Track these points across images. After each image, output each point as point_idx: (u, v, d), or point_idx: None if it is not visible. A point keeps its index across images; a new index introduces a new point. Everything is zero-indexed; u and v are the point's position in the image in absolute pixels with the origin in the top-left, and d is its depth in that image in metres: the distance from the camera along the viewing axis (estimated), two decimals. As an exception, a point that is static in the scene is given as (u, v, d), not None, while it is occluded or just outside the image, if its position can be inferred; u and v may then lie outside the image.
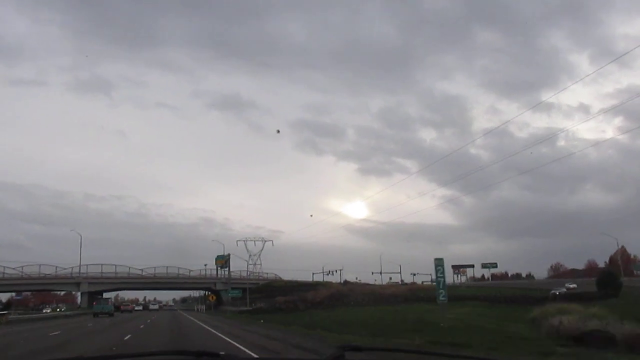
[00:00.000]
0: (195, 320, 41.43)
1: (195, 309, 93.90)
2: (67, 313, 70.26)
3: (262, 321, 40.44)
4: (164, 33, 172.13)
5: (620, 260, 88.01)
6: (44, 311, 78.79)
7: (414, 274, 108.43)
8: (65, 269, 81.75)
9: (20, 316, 54.85)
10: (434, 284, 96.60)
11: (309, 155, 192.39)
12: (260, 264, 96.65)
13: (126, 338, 20.28)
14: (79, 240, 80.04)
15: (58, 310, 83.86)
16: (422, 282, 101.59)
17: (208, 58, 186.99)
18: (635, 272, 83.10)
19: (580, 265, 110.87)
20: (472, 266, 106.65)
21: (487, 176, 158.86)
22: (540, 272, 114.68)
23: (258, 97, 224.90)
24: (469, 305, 49.79)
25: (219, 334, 22.99)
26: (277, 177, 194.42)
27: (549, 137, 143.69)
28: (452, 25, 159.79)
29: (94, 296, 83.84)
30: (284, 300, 66.10)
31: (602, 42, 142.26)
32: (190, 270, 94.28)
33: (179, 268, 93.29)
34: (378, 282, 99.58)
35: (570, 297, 50.63)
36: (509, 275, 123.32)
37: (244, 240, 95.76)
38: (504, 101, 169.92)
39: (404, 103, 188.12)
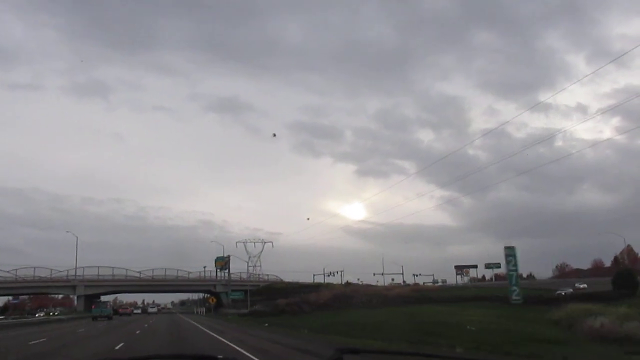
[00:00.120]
0: (196, 324, 38.50)
1: (195, 312, 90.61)
2: (61, 317, 66.97)
3: (266, 324, 37.54)
4: (160, 36, 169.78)
5: (627, 260, 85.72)
6: (37, 315, 75.29)
7: (416, 275, 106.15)
8: (60, 271, 78.66)
9: (4, 321, 50.17)
10: (436, 285, 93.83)
11: (307, 157, 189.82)
12: (260, 266, 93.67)
13: (118, 347, 17.24)
14: (76, 243, 76.82)
15: (51, 314, 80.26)
16: (424, 283, 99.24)
17: (205, 61, 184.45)
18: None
19: (581, 265, 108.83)
20: (476, 266, 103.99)
21: (485, 177, 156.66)
22: (540, 273, 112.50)
23: (255, 100, 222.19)
24: (482, 306, 46.97)
25: (226, 341, 20.06)
26: (275, 179, 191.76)
27: (547, 137, 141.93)
28: (449, 26, 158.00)
29: (91, 299, 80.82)
30: (285, 302, 63.13)
31: (599, 42, 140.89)
32: (189, 272, 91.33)
33: (177, 270, 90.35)
34: (380, 283, 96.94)
35: (583, 297, 48.12)
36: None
37: (243, 242, 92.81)
38: (501, 102, 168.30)
39: (402, 104, 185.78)
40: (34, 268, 77.29)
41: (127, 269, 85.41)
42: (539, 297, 54.05)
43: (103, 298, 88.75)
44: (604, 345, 19.25)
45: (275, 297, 70.45)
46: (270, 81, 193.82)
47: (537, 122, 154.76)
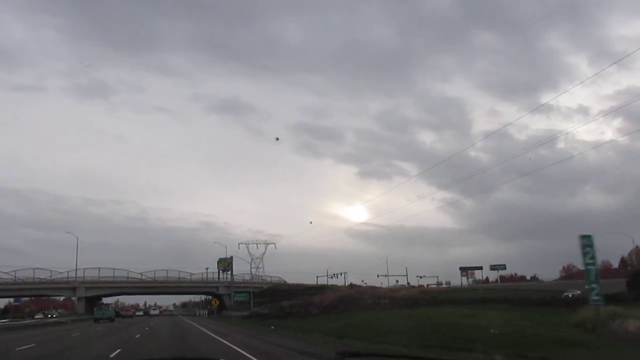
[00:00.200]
0: (200, 327, 36.35)
1: (197, 314, 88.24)
2: (60, 320, 64.73)
3: (272, 327, 35.42)
4: (161, 37, 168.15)
5: (636, 260, 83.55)
6: (35, 317, 72.96)
7: (421, 277, 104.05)
8: (60, 272, 76.38)
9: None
10: (442, 286, 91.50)
11: (308, 158, 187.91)
12: (263, 267, 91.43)
13: (113, 355, 15.08)
14: (76, 244, 74.65)
15: (50, 316, 77.91)
16: (427, 285, 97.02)
17: (206, 62, 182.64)
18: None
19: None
20: (481, 268, 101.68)
21: (487, 179, 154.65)
22: (543, 274, 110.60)
23: (256, 101, 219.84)
24: (495, 308, 44.81)
25: (235, 347, 17.87)
26: (276, 180, 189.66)
27: (549, 139, 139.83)
28: (450, 27, 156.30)
29: (93, 301, 78.75)
30: (289, 304, 61.13)
31: (600, 44, 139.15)
32: (191, 274, 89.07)
33: (179, 272, 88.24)
34: (384, 285, 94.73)
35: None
36: (512, 277, 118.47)
37: (245, 243, 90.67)
38: (503, 103, 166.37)
39: (403, 105, 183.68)
40: (34, 269, 75.19)
41: (128, 270, 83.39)
42: (554, 299, 52.17)
43: (105, 300, 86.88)
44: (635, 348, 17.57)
45: (279, 299, 68.54)
46: (271, 82, 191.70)
47: (538, 124, 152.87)
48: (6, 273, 73.16)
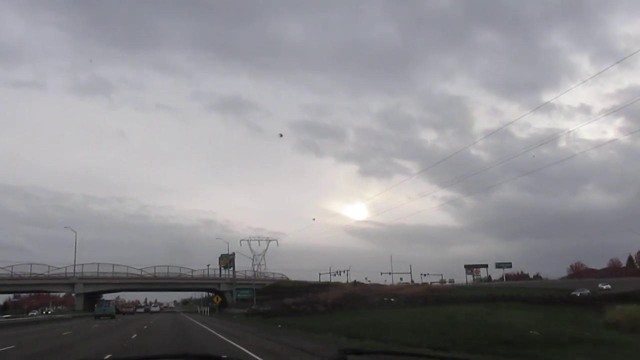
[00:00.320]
0: (203, 326, 33.51)
1: (198, 311, 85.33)
2: (56, 316, 61.82)
3: (279, 326, 32.66)
4: (163, 35, 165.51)
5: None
6: (30, 314, 69.97)
7: (424, 275, 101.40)
8: (58, 268, 73.40)
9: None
10: (447, 284, 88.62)
11: (309, 156, 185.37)
12: (265, 265, 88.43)
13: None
14: (75, 239, 71.69)
15: (44, 313, 74.82)
16: (431, 283, 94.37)
17: (207, 59, 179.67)
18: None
19: (590, 265, 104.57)
20: (486, 266, 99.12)
21: (488, 177, 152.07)
22: (545, 273, 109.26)
23: (258, 99, 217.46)
24: (510, 306, 42.06)
25: (248, 351, 15.03)
26: (278, 178, 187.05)
27: (551, 138, 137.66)
28: (452, 26, 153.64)
29: (92, 298, 76.04)
30: (293, 301, 58.51)
31: (602, 42, 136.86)
32: (192, 270, 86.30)
33: (180, 268, 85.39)
34: (388, 283, 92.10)
35: (618, 297, 43.53)
36: (516, 275, 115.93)
37: (247, 240, 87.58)
38: (504, 102, 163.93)
39: (405, 104, 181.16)
40: (31, 265, 72.41)
41: (128, 267, 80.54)
42: (569, 297, 49.52)
43: (105, 296, 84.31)
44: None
45: (282, 296, 66.11)
46: (272, 80, 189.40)
47: (540, 123, 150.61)
48: (2, 268, 70.54)
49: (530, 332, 20.80)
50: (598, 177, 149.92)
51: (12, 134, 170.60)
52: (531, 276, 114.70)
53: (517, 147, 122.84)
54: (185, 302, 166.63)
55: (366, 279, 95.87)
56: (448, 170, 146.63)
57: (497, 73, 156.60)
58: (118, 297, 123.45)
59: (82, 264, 74.64)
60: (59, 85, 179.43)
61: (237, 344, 18.01)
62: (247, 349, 15.67)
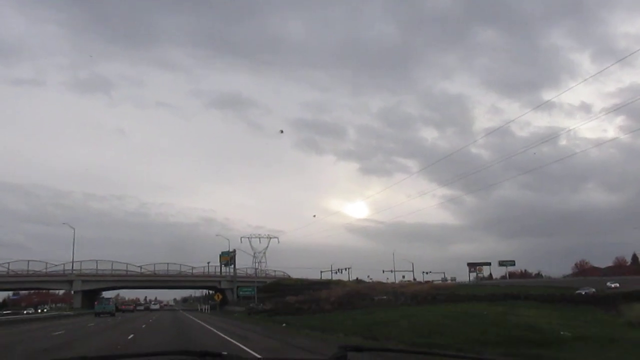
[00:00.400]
0: (204, 324, 31.46)
1: (199, 309, 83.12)
2: (52, 314, 59.63)
3: (284, 325, 30.62)
4: (163, 31, 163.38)
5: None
6: (24, 312, 67.61)
7: (427, 272, 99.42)
8: (56, 265, 71.13)
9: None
10: (447, 282, 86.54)
11: (310, 154, 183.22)
12: (266, 262, 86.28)
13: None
14: (73, 235, 69.41)
15: (39, 311, 72.40)
16: (433, 281, 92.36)
17: (207, 56, 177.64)
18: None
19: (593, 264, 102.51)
20: (489, 264, 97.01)
21: (489, 176, 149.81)
22: (544, 271, 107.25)
23: (258, 96, 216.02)
24: (523, 305, 40.15)
25: (256, 354, 12.94)
26: (278, 176, 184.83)
27: (551, 136, 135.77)
28: (452, 24, 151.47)
29: (90, 295, 73.87)
30: (296, 299, 56.45)
31: (603, 41, 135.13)
32: (192, 268, 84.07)
33: (180, 265, 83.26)
34: (390, 280, 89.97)
35: (632, 296, 41.73)
36: (519, 274, 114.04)
37: (248, 237, 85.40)
38: (505, 100, 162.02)
39: (405, 102, 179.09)
40: (28, 262, 70.08)
41: (127, 264, 78.42)
42: (584, 296, 47.66)
43: (105, 294, 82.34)
44: None
45: (284, 294, 64.19)
46: (272, 77, 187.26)
47: (540, 121, 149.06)
48: (0, 265, 68.20)
49: (562, 332, 19.00)
50: (599, 176, 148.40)
51: (12, 132, 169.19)
52: (532, 275, 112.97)
53: (517, 146, 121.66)
54: (185, 300, 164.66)
55: (368, 276, 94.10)
56: (448, 168, 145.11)
57: (498, 71, 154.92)
58: (118, 295, 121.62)
59: (81, 261, 72.64)
60: (58, 82, 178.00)
61: (244, 345, 15.93)
62: (256, 352, 13.62)
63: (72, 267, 70.86)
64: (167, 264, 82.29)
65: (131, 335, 20.60)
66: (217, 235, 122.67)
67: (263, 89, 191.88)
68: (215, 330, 24.45)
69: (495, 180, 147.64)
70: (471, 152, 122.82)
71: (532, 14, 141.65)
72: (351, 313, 36.77)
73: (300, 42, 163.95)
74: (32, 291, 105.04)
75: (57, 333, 23.10)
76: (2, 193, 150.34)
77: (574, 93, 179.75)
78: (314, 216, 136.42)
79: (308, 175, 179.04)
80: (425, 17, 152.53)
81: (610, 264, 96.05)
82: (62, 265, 71.40)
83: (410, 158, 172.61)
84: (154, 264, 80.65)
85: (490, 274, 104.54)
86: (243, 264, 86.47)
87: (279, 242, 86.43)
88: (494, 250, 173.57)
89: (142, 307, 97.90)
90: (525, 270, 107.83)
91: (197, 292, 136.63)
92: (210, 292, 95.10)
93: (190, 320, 39.18)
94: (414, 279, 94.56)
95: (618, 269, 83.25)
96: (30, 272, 69.67)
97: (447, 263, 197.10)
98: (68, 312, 64.31)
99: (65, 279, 71.36)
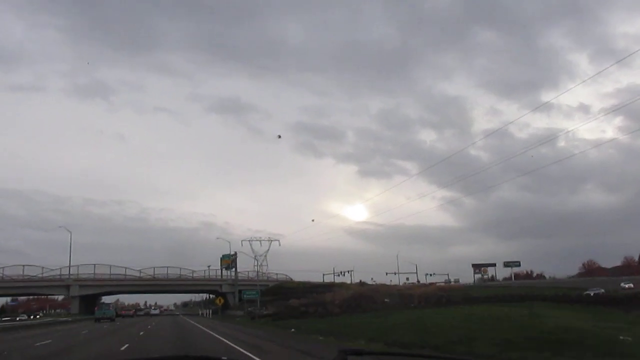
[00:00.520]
0: (208, 331, 28.77)
1: (200, 314, 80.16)
2: (46, 320, 56.72)
3: (292, 330, 28.01)
4: (161, 36, 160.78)
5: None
6: (18, 319, 64.54)
7: (430, 274, 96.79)
8: (52, 270, 68.21)
9: None
10: (451, 284, 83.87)
11: (309, 157, 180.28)
12: (267, 265, 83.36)
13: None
14: (69, 240, 66.64)
15: (32, 317, 69.17)
16: (436, 283, 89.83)
17: (206, 61, 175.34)
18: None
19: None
20: (494, 265, 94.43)
21: (488, 177, 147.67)
22: (547, 271, 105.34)
23: (257, 100, 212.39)
24: (542, 306, 37.63)
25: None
26: (277, 180, 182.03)
27: (550, 138, 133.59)
28: (451, 26, 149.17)
29: (89, 300, 71.10)
30: (299, 302, 53.72)
31: (601, 41, 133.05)
32: (193, 271, 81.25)
33: (180, 269, 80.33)
34: (393, 283, 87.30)
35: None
36: (524, 275, 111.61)
37: (249, 240, 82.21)
38: (504, 101, 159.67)
39: (404, 104, 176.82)
40: (23, 266, 67.21)
41: (126, 268, 75.45)
42: (602, 296, 45.38)
43: (104, 299, 79.64)
44: None
45: (287, 297, 61.39)
46: (271, 82, 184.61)
47: (539, 122, 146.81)
48: (-7, 270, 65.24)
49: (621, 337, 16.46)
50: (597, 177, 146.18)
51: (11, 137, 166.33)
52: (534, 275, 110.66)
53: (516, 147, 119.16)
54: (185, 304, 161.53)
55: (372, 279, 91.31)
56: (447, 170, 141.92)
57: (496, 73, 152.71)
58: (117, 300, 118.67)
59: (78, 265, 69.74)
60: (58, 88, 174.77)
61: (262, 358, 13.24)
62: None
63: (69, 271, 67.99)
64: (167, 267, 79.63)
65: (126, 346, 17.91)
66: (217, 238, 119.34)
67: (262, 93, 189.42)
68: (221, 338, 21.84)
69: (494, 182, 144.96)
70: (470, 154, 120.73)
71: (531, 15, 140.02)
72: (361, 316, 34.18)
73: (299, 46, 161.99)
74: (31, 297, 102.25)
75: (41, 343, 20.38)
76: (1, 199, 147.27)
77: (572, 94, 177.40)
78: (313, 220, 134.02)
79: (307, 178, 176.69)
80: (424, 18, 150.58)
81: (611, 264, 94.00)
82: (59, 270, 68.62)
83: (409, 160, 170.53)
84: (154, 268, 77.96)
85: (493, 275, 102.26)
86: (243, 267, 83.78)
87: (280, 244, 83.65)
88: (493, 252, 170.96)
89: (142, 313, 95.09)
90: (530, 271, 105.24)
91: (197, 297, 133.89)
92: (211, 296, 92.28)
93: (193, 327, 36.46)
94: (418, 281, 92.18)
95: (627, 268, 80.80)
96: (26, 277, 66.72)
97: (448, 265, 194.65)
98: (65, 318, 61.52)
99: (62, 284, 68.48)
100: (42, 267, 68.60)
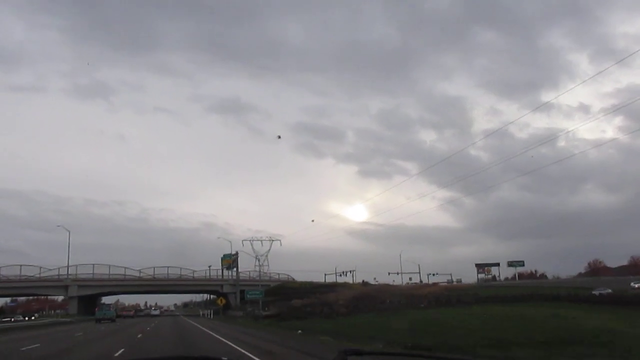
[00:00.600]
0: (212, 333, 26.81)
1: (201, 314, 78.01)
2: (42, 322, 54.61)
3: (299, 332, 26.13)
4: (162, 37, 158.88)
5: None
6: (12, 319, 62.26)
7: (433, 274, 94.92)
8: (50, 269, 66.01)
9: None
10: (460, 284, 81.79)
11: (309, 158, 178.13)
12: (268, 265, 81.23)
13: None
14: (68, 238, 64.50)
15: (26, 318, 66.71)
16: (439, 283, 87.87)
17: (207, 61, 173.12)
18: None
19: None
20: (498, 265, 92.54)
21: (488, 177, 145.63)
22: (548, 271, 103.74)
23: (257, 101, 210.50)
24: (561, 306, 35.83)
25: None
26: (277, 180, 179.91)
27: (550, 138, 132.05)
28: (451, 26, 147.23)
29: (88, 301, 69.02)
30: (301, 303, 51.72)
31: (601, 41, 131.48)
32: (193, 271, 79.10)
33: (181, 269, 78.19)
34: (396, 282, 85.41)
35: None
36: (526, 274, 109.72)
37: (249, 240, 79.99)
38: (504, 102, 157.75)
39: (404, 104, 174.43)
40: (20, 266, 64.96)
41: (125, 268, 73.29)
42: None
43: (104, 300, 77.67)
44: None
45: (289, 297, 59.36)
46: (272, 82, 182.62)
47: (539, 122, 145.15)
48: (-10, 270, 63.03)
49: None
50: (597, 177, 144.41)
51: (12, 138, 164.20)
52: (537, 275, 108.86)
53: (516, 147, 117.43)
54: (185, 305, 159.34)
55: (375, 279, 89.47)
56: (447, 170, 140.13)
57: (497, 73, 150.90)
58: (118, 301, 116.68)
59: (76, 265, 67.53)
60: (59, 88, 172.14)
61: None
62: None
63: (68, 271, 65.80)
64: (167, 267, 77.45)
65: (121, 351, 15.91)
66: (218, 237, 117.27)
67: (263, 93, 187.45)
68: (227, 341, 19.88)
69: (495, 182, 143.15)
70: (470, 154, 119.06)
71: (531, 15, 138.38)
72: (370, 317, 32.21)
73: (299, 46, 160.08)
74: (31, 298, 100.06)
75: (27, 348, 18.32)
76: (2, 199, 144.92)
77: (572, 94, 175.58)
78: (313, 221, 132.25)
79: (308, 178, 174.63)
80: (424, 18, 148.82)
81: (613, 264, 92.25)
82: (57, 270, 66.41)
83: (409, 160, 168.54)
84: (154, 268, 75.77)
85: (494, 275, 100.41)
86: (243, 268, 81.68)
87: (281, 244, 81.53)
88: (493, 252, 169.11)
89: (142, 313, 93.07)
90: (535, 271, 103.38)
91: (198, 297, 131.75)
92: (212, 296, 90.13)
93: (195, 328, 34.44)
94: (420, 281, 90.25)
95: (634, 267, 78.88)
96: (23, 277, 64.52)
97: (448, 265, 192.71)
98: (62, 319, 59.47)
99: (60, 284, 66.30)
100: (40, 267, 66.59)
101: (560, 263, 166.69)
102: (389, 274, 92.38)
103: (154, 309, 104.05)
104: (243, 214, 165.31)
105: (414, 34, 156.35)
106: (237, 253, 76.29)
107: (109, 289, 73.58)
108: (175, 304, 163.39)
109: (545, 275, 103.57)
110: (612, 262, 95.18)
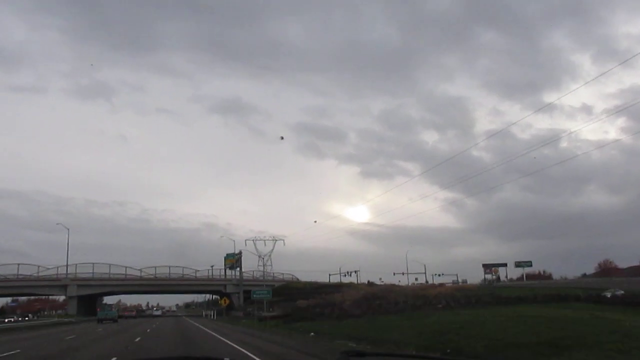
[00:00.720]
0: (218, 336, 24.02)
1: (203, 315, 75.03)
2: (36, 323, 51.75)
3: (312, 334, 23.34)
4: (163, 37, 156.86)
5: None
6: (7, 320, 59.30)
7: (439, 275, 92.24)
8: (49, 268, 63.11)
9: None
10: (467, 284, 78.68)
11: (311, 158, 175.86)
12: (271, 265, 78.41)
13: None
14: (67, 237, 61.64)
15: (20, 319, 63.63)
16: (445, 284, 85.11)
17: (208, 62, 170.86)
18: None
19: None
20: (505, 265, 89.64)
21: (490, 178, 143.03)
22: (553, 272, 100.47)
23: (259, 101, 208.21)
24: (593, 308, 32.94)
25: None
26: (279, 181, 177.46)
27: (552, 139, 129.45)
28: (453, 26, 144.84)
29: (88, 301, 66.21)
30: (307, 303, 48.93)
31: (604, 42, 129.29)
32: (196, 271, 76.20)
33: (183, 268, 75.32)
34: (401, 283, 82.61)
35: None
36: (536, 275, 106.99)
37: (253, 240, 77.41)
38: (506, 102, 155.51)
39: (406, 105, 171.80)
40: (18, 265, 62.12)
41: (126, 267, 70.38)
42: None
43: (106, 300, 74.84)
44: None
45: (294, 297, 56.73)
46: (273, 82, 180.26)
47: (541, 123, 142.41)
48: (-13, 269, 60.10)
49: None
50: (600, 178, 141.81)
51: (13, 138, 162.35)
52: (544, 276, 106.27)
53: (518, 148, 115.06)
54: (187, 305, 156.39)
55: (380, 279, 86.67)
56: (449, 171, 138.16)
57: (499, 73, 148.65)
58: (119, 301, 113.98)
59: (76, 264, 64.65)
60: (60, 89, 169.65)
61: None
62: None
63: (67, 270, 62.89)
64: (169, 267, 74.63)
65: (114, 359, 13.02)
66: (221, 236, 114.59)
67: (264, 94, 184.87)
68: (237, 346, 17.04)
69: (497, 183, 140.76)
70: (472, 155, 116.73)
71: (533, 15, 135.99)
72: (389, 318, 29.14)
73: (300, 46, 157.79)
74: (32, 297, 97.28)
75: (2, 355, 15.36)
76: (3, 200, 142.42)
77: (575, 94, 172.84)
78: (315, 221, 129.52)
79: (309, 179, 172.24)
80: (425, 19, 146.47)
81: (619, 264, 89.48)
82: (56, 269, 63.50)
83: (411, 161, 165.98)
84: (155, 267, 72.94)
85: (499, 276, 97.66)
86: (247, 267, 78.92)
87: (284, 244, 78.69)
88: (495, 253, 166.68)
89: (144, 314, 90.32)
90: (543, 271, 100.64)
91: (200, 298, 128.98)
92: (214, 297, 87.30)
93: (199, 330, 31.52)
94: (426, 281, 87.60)
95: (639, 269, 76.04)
96: (20, 277, 61.59)
97: (450, 266, 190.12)
98: (61, 320, 56.60)
99: (59, 283, 63.43)
100: (38, 266, 63.79)
101: (562, 264, 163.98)
102: (394, 274, 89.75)
103: (156, 310, 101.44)
104: (244, 215, 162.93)
105: (414, 34, 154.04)
106: (240, 252, 73.61)
107: (110, 289, 70.67)
108: (177, 305, 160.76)
109: (552, 276, 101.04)
110: (620, 263, 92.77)
